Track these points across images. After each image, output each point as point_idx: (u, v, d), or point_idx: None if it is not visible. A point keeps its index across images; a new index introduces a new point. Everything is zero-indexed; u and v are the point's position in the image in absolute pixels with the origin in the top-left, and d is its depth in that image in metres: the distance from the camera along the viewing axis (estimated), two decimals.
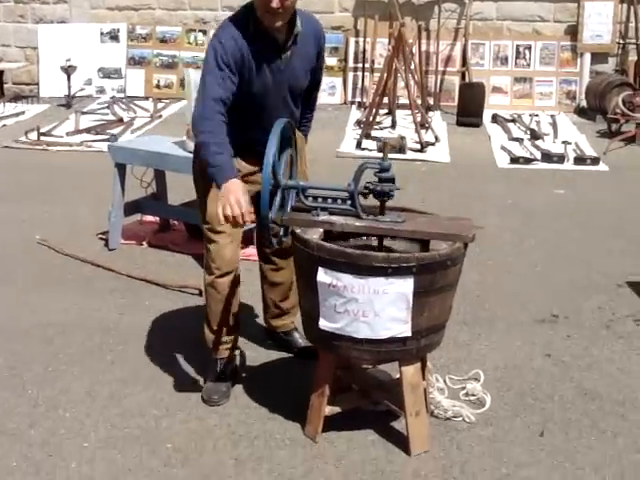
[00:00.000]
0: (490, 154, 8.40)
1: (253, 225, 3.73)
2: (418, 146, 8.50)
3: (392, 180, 3.19)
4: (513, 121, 9.75)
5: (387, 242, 3.33)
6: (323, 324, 3.16)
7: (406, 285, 3.04)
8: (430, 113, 9.85)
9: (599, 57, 10.40)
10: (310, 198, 3.28)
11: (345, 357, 3.23)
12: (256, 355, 4.12)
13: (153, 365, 4.00)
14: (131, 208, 5.60)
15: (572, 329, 4.42)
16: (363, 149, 8.47)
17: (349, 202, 3.25)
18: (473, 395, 3.69)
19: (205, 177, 3.39)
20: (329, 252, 3.06)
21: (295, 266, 3.36)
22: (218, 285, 3.66)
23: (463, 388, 3.75)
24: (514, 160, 8.02)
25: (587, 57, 10.35)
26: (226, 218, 3.15)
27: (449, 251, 3.08)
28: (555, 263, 5.39)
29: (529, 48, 10.45)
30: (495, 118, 9.77)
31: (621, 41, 10.33)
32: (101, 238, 5.68)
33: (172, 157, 5.17)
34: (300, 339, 4.00)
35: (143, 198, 5.67)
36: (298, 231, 3.20)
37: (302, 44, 3.52)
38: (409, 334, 3.12)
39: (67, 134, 8.95)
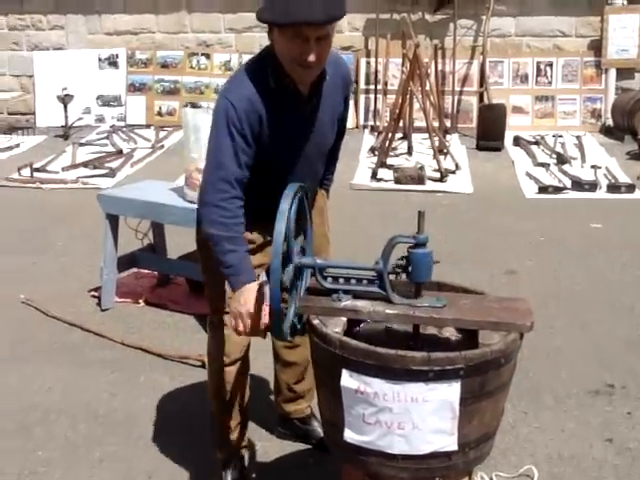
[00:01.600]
0: (515, 182, 7.82)
1: None
2: (438, 175, 7.93)
3: (430, 258, 2.60)
4: (536, 143, 9.18)
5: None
6: (349, 436, 2.58)
7: (452, 391, 2.45)
8: (448, 137, 9.28)
9: (625, 73, 9.81)
10: (330, 279, 2.70)
11: (376, 475, 2.63)
12: (268, 446, 3.54)
13: (149, 462, 3.41)
14: (126, 262, 5.04)
15: (633, 402, 3.83)
16: (379, 180, 7.91)
17: (377, 283, 2.67)
18: None
19: (210, 253, 2.82)
20: (355, 351, 2.47)
21: (313, 363, 2.77)
22: (226, 374, 3.10)
23: None
24: (543, 189, 7.44)
25: (612, 73, 9.77)
26: (237, 332, 2.76)
27: (503, 346, 2.50)
28: (603, 315, 4.79)
29: (550, 65, 9.88)
30: (517, 141, 9.20)
31: None
32: (94, 296, 5.11)
33: (169, 208, 4.59)
34: (319, 427, 3.41)
35: (139, 250, 5.11)
36: (316, 322, 2.62)
37: (329, 92, 2.91)
38: (455, 447, 2.53)
39: (63, 169, 8.43)
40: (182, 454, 3.44)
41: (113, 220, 4.86)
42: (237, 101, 2.72)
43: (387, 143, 8.30)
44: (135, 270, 5.26)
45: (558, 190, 7.41)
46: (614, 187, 7.42)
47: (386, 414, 2.49)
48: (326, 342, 2.54)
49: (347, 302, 2.66)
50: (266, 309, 2.66)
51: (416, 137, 8.96)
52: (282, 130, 2.81)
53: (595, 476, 3.29)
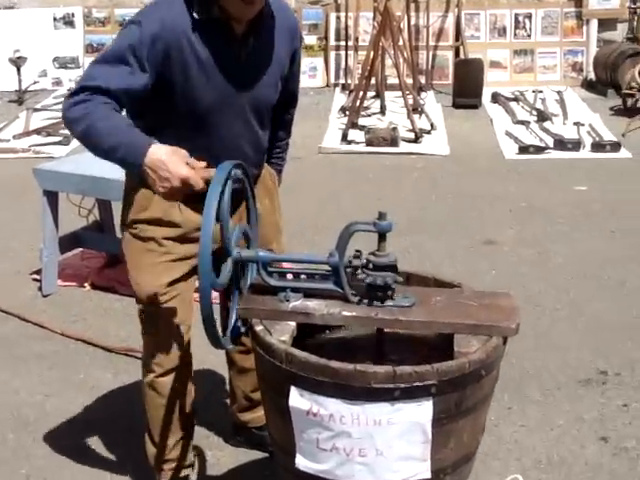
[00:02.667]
0: (494, 142, 7.38)
1: None
2: (412, 135, 7.48)
3: (393, 266, 2.18)
4: (516, 100, 8.73)
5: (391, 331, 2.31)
6: (301, 463, 2.16)
7: (422, 411, 2.03)
8: (423, 94, 8.81)
9: (607, 24, 9.38)
10: (275, 275, 2.27)
11: None
12: (220, 456, 3.13)
13: (81, 479, 2.99)
14: (68, 242, 4.58)
15: (628, 393, 3.44)
16: (350, 142, 7.45)
17: (332, 279, 2.23)
18: None
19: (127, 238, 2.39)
20: (305, 366, 2.04)
21: (257, 377, 2.34)
22: (159, 385, 2.66)
23: None
24: (523, 149, 7.01)
25: (594, 24, 9.33)
26: (169, 194, 2.20)
27: (483, 355, 2.07)
28: (592, 293, 4.38)
29: (529, 17, 9.42)
30: (495, 98, 8.76)
31: (632, 5, 9.26)
32: (35, 279, 4.64)
33: (114, 183, 4.08)
34: None
35: (83, 229, 4.64)
36: (259, 328, 2.18)
37: (270, 40, 2.48)
38: (428, 475, 2.12)
39: (14, 137, 7.90)
40: (122, 466, 3.02)
41: (52, 197, 4.39)
42: (146, 23, 2.30)
43: (358, 102, 7.83)
44: (80, 250, 4.79)
45: (540, 150, 6.99)
46: (598, 146, 7.01)
47: (344, 439, 2.07)
48: (270, 354, 2.11)
49: (296, 302, 2.23)
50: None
51: (389, 95, 8.50)
52: (206, 72, 2.37)
53: None
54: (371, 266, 2.18)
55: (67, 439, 3.23)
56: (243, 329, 2.32)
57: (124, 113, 2.36)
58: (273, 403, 2.22)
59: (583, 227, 5.30)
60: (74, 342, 3.97)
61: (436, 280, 2.45)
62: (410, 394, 2.01)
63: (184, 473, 2.79)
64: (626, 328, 3.96)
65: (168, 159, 2.14)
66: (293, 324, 2.21)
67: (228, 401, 3.19)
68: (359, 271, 2.21)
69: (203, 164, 2.18)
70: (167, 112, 2.41)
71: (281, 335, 2.16)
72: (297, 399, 2.08)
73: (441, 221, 5.43)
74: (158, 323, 2.61)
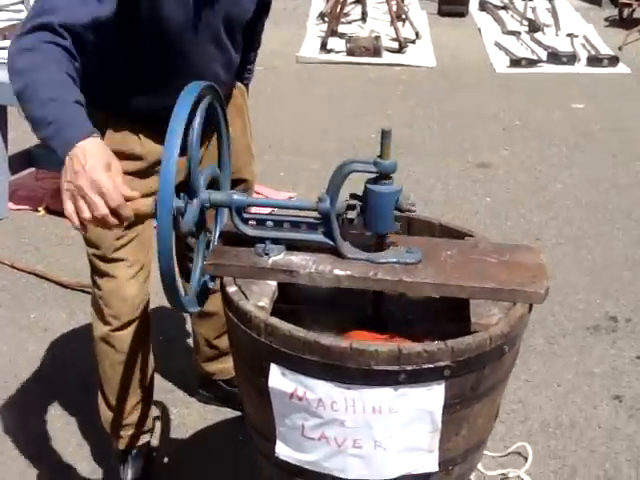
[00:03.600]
0: (483, 54, 6.92)
1: None
2: (396, 45, 7.00)
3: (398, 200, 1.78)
4: (504, 8, 8.24)
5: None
6: (282, 452, 1.79)
7: (432, 397, 1.66)
8: (407, 0, 8.26)
9: None
10: (253, 222, 1.86)
11: None
12: (186, 414, 2.76)
13: (27, 447, 2.62)
14: (20, 161, 4.12)
15: None
16: (329, 51, 6.95)
17: (321, 229, 1.83)
18: None
19: None
20: (289, 340, 1.65)
21: (230, 344, 1.95)
22: (116, 341, 2.28)
23: (503, 479, 2.43)
24: (515, 62, 6.55)
25: None
26: (83, 223, 1.63)
27: (506, 328, 1.69)
28: (596, 225, 4.02)
29: None
30: (483, 5, 8.26)
31: None
32: None
33: None
34: None
35: (37, 146, 4.17)
36: (232, 289, 1.78)
37: None
38: (435, 468, 1.75)
39: None
40: (75, 428, 2.65)
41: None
42: None
43: (338, 8, 7.30)
44: (33, 170, 4.34)
45: (532, 63, 6.54)
46: (595, 60, 6.56)
47: (335, 428, 1.69)
48: (246, 323, 1.71)
49: (277, 257, 1.83)
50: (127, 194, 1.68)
51: (370, 1, 7.97)
52: None
53: (604, 453, 2.56)
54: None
55: (10, 394, 2.84)
56: (212, 285, 1.92)
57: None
58: (248, 380, 1.83)
59: (583, 150, 4.91)
60: (25, 276, 3.56)
61: (443, 227, 2.06)
62: (418, 377, 1.63)
63: (143, 440, 2.42)
64: (636, 265, 3.60)
65: (95, 159, 1.63)
66: (273, 284, 1.81)
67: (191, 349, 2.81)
68: (355, 220, 1.80)
69: (138, 194, 1.70)
70: (130, 40, 1.97)
71: (259, 299, 1.76)
72: (278, 379, 1.69)
73: (430, 141, 5.01)
74: (114, 269, 2.21)
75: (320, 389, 1.65)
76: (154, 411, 2.70)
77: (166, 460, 2.55)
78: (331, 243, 1.83)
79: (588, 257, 3.66)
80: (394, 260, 1.82)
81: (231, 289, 1.78)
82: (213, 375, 2.70)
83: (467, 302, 1.77)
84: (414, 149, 4.82)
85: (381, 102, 5.68)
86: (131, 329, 2.27)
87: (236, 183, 2.34)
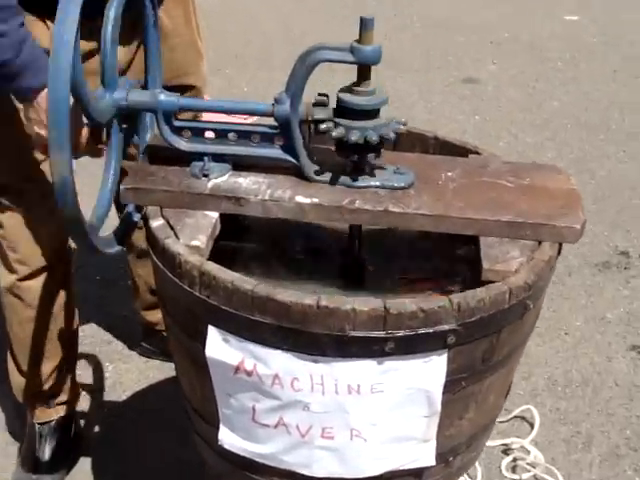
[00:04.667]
0: None
1: None
2: None
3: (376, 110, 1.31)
4: None
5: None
6: (227, 440, 1.33)
7: (430, 372, 1.20)
8: None
9: None
10: (188, 132, 1.38)
11: None
12: (124, 370, 2.31)
13: None
14: None
15: None
16: None
17: (280, 142, 1.35)
18: (527, 469, 1.96)
19: None
20: (233, 296, 1.18)
21: (158, 299, 1.47)
22: (24, 292, 1.80)
23: (505, 450, 2.00)
24: None
25: None
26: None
27: (531, 277, 1.23)
28: (598, 145, 3.55)
29: None
30: None
31: None
32: None
33: None
34: None
35: None
36: (156, 223, 1.30)
37: None
38: (432, 462, 1.31)
39: None
40: None
41: None
42: None
43: None
44: None
45: None
46: None
47: (297, 413, 1.24)
48: (174, 271, 1.24)
49: (220, 180, 1.36)
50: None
51: None
52: None
53: (624, 416, 2.14)
54: (345, 110, 1.30)
55: None
56: (136, 218, 1.44)
57: None
58: (181, 347, 1.37)
59: (579, 65, 4.42)
60: None
61: (439, 142, 1.58)
62: (411, 347, 1.18)
63: (64, 411, 1.96)
64: None
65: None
66: (214, 217, 1.33)
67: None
68: (324, 126, 1.32)
69: None
70: None
71: (193, 237, 1.28)
72: (219, 348, 1.23)
73: (409, 53, 4.51)
74: (20, 203, 1.72)
75: (276, 361, 1.20)
76: (83, 368, 2.27)
77: (96, 429, 2.10)
78: (292, 160, 1.36)
79: (591, 182, 3.20)
80: (377, 184, 1.35)
81: (156, 223, 1.31)
82: (156, 325, 2.24)
83: (476, 242, 1.31)
84: (393, 63, 4.30)
85: (356, 9, 5.13)
86: (44, 278, 1.79)
87: (180, 91, 1.84)
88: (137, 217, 1.43)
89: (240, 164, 1.38)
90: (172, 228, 1.30)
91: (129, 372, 2.30)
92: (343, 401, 1.22)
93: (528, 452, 2.00)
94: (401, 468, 1.31)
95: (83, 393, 2.18)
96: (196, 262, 1.21)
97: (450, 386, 1.23)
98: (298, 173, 1.36)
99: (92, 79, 1.28)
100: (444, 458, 1.35)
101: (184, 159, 1.38)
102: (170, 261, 1.24)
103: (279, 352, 1.19)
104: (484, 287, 1.20)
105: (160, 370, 2.28)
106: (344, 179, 1.35)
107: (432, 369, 1.20)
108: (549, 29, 4.95)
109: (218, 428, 1.34)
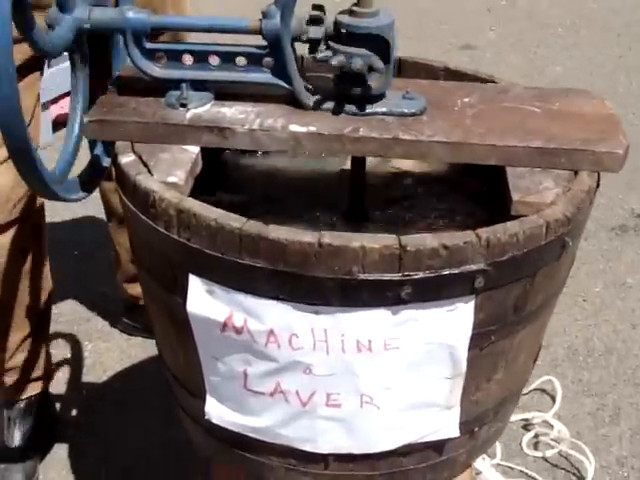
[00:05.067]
0: None
1: None
2: None
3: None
4: None
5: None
6: (215, 412, 1.14)
7: (455, 324, 1.01)
8: None
9: None
10: (163, 57, 1.17)
11: None
12: (103, 349, 2.12)
13: None
14: None
15: None
16: None
17: (269, 64, 1.15)
18: (551, 445, 1.77)
19: None
20: (217, 237, 0.98)
21: (133, 253, 1.28)
22: None
23: (526, 426, 1.82)
24: None
25: None
26: None
27: (570, 209, 1.04)
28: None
29: None
30: None
31: None
32: None
33: None
34: None
35: None
36: (127, 159, 1.10)
37: None
38: (455, 433, 1.11)
39: None
40: None
41: None
42: None
43: None
44: None
45: None
46: None
47: (297, 377, 1.05)
48: (147, 211, 1.04)
49: (200, 109, 1.16)
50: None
51: None
52: None
53: None
54: (345, 35, 1.11)
55: None
56: (106, 163, 1.25)
57: None
58: (159, 305, 1.17)
59: (580, 30, 4.23)
60: None
61: (451, 72, 1.39)
62: (432, 292, 0.98)
63: (35, 389, 1.76)
64: None
65: None
66: (194, 151, 1.13)
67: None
68: (321, 47, 1.13)
69: None
70: None
71: (170, 173, 1.09)
72: (202, 300, 1.04)
73: (402, 22, 4.28)
74: None
75: (271, 315, 1.00)
76: (60, 347, 2.07)
77: (74, 413, 1.90)
78: (284, 85, 1.16)
79: None
80: (384, 110, 1.16)
81: (126, 159, 1.11)
82: (138, 299, 2.04)
83: (501, 177, 1.12)
84: None
85: None
86: (8, 237, 1.59)
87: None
88: (107, 162, 1.23)
89: (223, 93, 1.19)
90: (145, 164, 1.10)
91: (110, 351, 2.10)
92: (351, 361, 1.02)
93: (551, 427, 1.82)
94: (420, 441, 1.12)
95: (59, 374, 1.99)
96: (173, 199, 1.02)
97: (477, 341, 1.04)
98: (292, 101, 1.17)
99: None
100: (469, 428, 1.16)
101: (159, 90, 1.19)
102: (142, 200, 1.05)
103: (274, 303, 0.99)
104: (517, 220, 1.01)
105: (143, 348, 2.08)
106: (345, 106, 1.16)
107: (457, 320, 1.01)
108: None
109: (204, 400, 1.15)
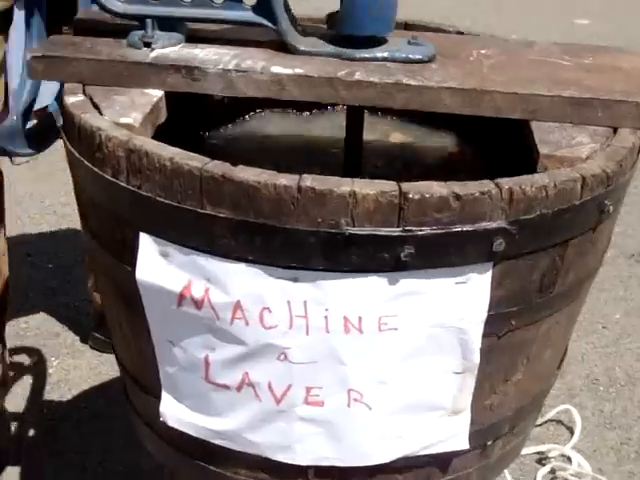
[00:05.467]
0: None
1: None
2: None
3: None
4: None
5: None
6: (171, 412, 0.93)
7: (468, 299, 0.80)
8: None
9: None
10: None
11: None
12: (71, 366, 1.92)
13: None
14: None
15: None
16: None
17: (252, 0, 0.97)
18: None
19: None
20: (172, 182, 0.78)
21: (81, 217, 1.08)
22: None
23: (541, 460, 1.60)
24: None
25: None
26: None
27: (610, 164, 0.85)
28: None
29: None
30: None
31: None
32: None
33: None
34: None
35: None
36: (73, 99, 0.91)
37: None
38: (464, 445, 0.90)
39: None
40: None
41: None
42: None
43: None
44: None
45: None
46: None
47: (270, 365, 0.85)
48: (95, 156, 0.85)
49: (167, 49, 0.97)
50: None
51: None
52: None
53: None
54: None
55: None
56: (60, 123, 1.05)
57: None
58: (107, 279, 0.97)
59: None
60: None
61: (461, 34, 1.20)
62: (440, 255, 0.78)
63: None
64: None
65: None
66: (157, 95, 0.94)
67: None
68: None
69: None
70: None
71: (122, 115, 0.89)
72: (154, 265, 0.84)
73: None
74: None
75: (237, 282, 0.80)
76: (23, 363, 1.88)
77: (31, 433, 1.69)
78: (268, 25, 0.97)
79: None
80: (385, 55, 0.97)
81: (73, 99, 0.92)
82: None
83: (524, 139, 0.93)
84: None
85: None
86: None
87: None
88: (61, 121, 1.04)
89: (197, 36, 1.00)
90: (96, 106, 0.91)
91: (78, 368, 1.89)
92: (337, 344, 0.82)
93: (569, 461, 1.59)
94: (421, 452, 0.91)
95: (18, 391, 1.78)
96: (122, 137, 0.82)
97: (494, 325, 0.84)
98: (277, 46, 0.98)
99: None
100: (481, 441, 0.95)
101: (122, 33, 1.00)
102: (88, 144, 0.86)
103: (241, 267, 0.79)
104: (545, 172, 0.82)
105: (113, 365, 1.86)
106: (340, 50, 0.97)
107: (470, 295, 0.81)
108: (557, 34, 4.60)
109: (159, 398, 0.94)
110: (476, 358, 0.85)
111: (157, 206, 0.80)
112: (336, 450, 0.90)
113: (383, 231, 0.76)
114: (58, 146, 1.11)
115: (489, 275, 0.80)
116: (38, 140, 1.04)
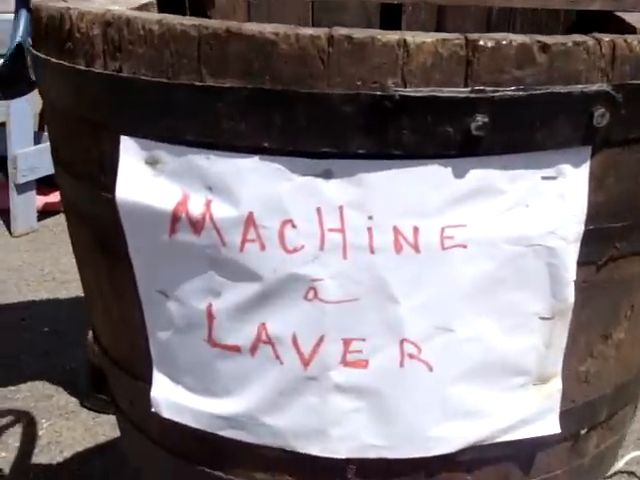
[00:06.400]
0: None
1: None
2: None
3: None
4: None
5: None
6: (163, 394, 0.70)
7: (557, 207, 0.58)
8: None
9: None
10: None
11: None
12: (65, 428, 1.68)
13: None
14: None
15: None
16: None
17: None
18: None
19: None
20: (162, 53, 0.59)
21: (49, 135, 0.88)
22: None
23: None
24: None
25: None
26: None
27: None
28: None
29: None
30: None
31: None
32: None
33: None
34: None
35: None
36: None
37: None
38: (555, 427, 0.67)
39: None
40: None
41: None
42: None
43: None
44: None
45: None
46: None
47: (294, 308, 0.63)
48: (63, 46, 0.66)
49: None
50: None
51: None
52: None
53: None
54: None
55: None
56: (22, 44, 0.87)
57: None
58: (79, 220, 0.76)
59: None
60: None
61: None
62: (521, 128, 0.57)
63: None
64: None
65: None
66: None
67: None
68: None
69: None
70: None
71: (105, 4, 0.70)
72: (140, 177, 0.63)
73: None
74: None
75: (249, 185, 0.60)
76: (9, 425, 1.66)
77: None
78: None
79: None
80: None
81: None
82: None
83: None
84: None
85: None
86: None
87: None
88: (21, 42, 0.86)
89: None
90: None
91: (71, 430, 1.66)
92: (385, 271, 0.61)
93: None
94: (497, 440, 0.68)
95: (3, 455, 1.55)
96: (97, 10, 0.63)
97: (593, 246, 0.63)
98: None
99: None
100: (572, 426, 0.72)
101: None
102: (56, 35, 0.67)
103: (254, 161, 0.59)
104: None
105: (112, 426, 1.63)
106: None
107: (561, 195, 0.60)
108: None
109: (150, 381, 0.72)
110: (570, 295, 0.63)
111: (142, 89, 0.60)
112: (385, 435, 0.67)
113: (446, 91, 0.55)
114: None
115: (587, 167, 0.59)
116: (7, 82, 0.85)
